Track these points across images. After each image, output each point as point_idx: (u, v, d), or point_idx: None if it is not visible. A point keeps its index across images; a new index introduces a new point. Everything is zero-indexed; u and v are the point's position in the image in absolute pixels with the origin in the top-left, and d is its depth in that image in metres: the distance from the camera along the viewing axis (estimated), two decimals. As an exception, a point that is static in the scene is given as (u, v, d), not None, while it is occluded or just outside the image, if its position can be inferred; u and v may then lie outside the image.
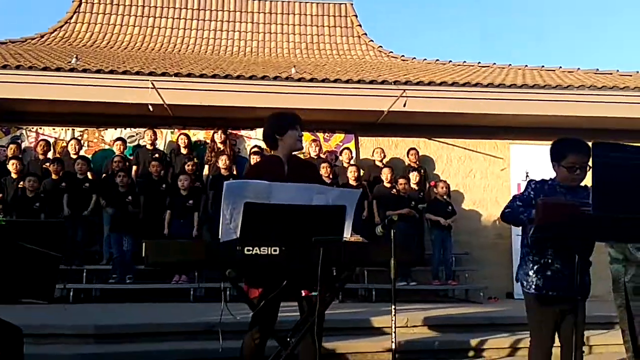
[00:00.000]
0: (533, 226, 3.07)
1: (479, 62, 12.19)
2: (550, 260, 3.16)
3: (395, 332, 2.95)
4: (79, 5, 11.82)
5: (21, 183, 7.15)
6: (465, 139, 9.24)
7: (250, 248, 2.84)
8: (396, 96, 7.98)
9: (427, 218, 7.74)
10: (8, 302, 2.41)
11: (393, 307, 2.92)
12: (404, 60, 12.54)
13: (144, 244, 2.75)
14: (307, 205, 2.94)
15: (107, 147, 8.56)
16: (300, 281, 3.19)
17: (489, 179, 9.24)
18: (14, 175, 7.34)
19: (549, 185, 3.30)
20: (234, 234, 2.85)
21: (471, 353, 4.69)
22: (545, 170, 9.36)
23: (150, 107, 7.57)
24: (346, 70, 9.24)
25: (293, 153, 3.47)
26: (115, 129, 8.61)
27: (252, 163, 7.55)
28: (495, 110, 8.45)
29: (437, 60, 12.38)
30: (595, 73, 11.20)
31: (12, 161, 7.45)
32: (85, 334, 4.29)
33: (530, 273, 3.21)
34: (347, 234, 3.04)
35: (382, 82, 8.26)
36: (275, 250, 2.86)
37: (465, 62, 12.33)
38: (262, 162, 3.75)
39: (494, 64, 11.98)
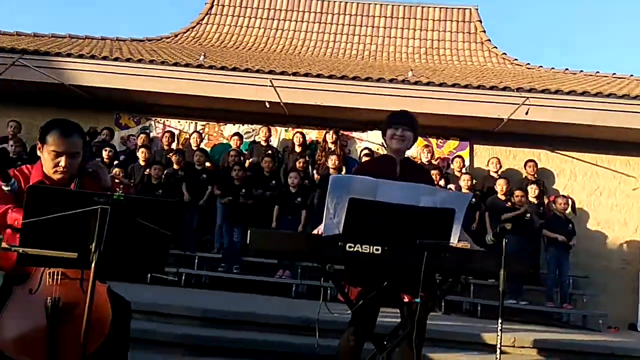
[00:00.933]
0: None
1: (614, 73, 11.27)
2: None
3: (500, 349, 2.76)
4: (211, 8, 12.51)
5: (147, 170, 7.65)
6: (592, 153, 8.58)
7: (352, 245, 2.79)
8: (517, 104, 7.58)
9: (544, 235, 7.24)
10: (122, 277, 2.55)
11: (499, 321, 2.73)
12: (529, 68, 11.90)
13: (249, 232, 2.80)
14: (413, 205, 2.84)
15: (225, 141, 8.95)
16: (402, 284, 3.10)
17: (618, 198, 8.50)
18: (142, 163, 7.88)
19: None
20: (337, 229, 2.82)
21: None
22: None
23: (267, 103, 7.79)
24: (465, 76, 8.94)
25: (406, 155, 3.39)
26: (234, 125, 9.00)
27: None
28: (629, 124, 7.75)
29: (567, 69, 11.62)
30: None
31: (141, 149, 8.00)
32: (193, 316, 4.47)
33: None
34: (455, 240, 2.90)
35: (504, 89, 7.87)
36: (377, 250, 2.79)
37: (598, 72, 11.47)
38: (374, 160, 3.70)
39: (632, 75, 11.02)
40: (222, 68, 8.16)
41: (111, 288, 2.60)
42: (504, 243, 2.77)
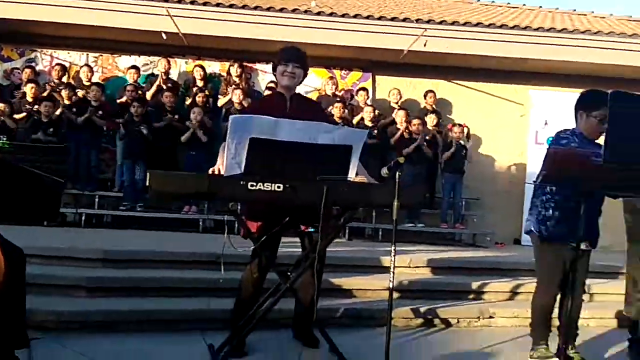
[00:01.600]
0: (542, 173, 3.05)
1: (508, 3, 11.77)
2: (568, 208, 3.15)
3: (394, 272, 2.98)
4: None
5: (36, 107, 7.17)
6: (484, 82, 9.02)
7: (254, 183, 2.86)
8: (417, 35, 7.75)
9: (440, 161, 7.67)
10: (13, 223, 2.45)
11: (393, 247, 2.94)
12: None
13: (148, 174, 2.78)
14: (312, 143, 2.92)
15: (121, 74, 8.50)
16: (302, 217, 3.22)
17: (506, 124, 9.07)
18: (30, 99, 7.35)
19: (571, 135, 3.26)
20: (238, 169, 2.86)
21: (471, 295, 4.75)
22: (564, 118, 9.11)
23: (163, 34, 7.45)
24: (368, 6, 8.94)
25: (297, 91, 3.41)
26: (130, 56, 8.53)
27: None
28: (519, 54, 8.18)
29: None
30: (629, 20, 10.76)
31: (29, 85, 7.42)
32: (94, 258, 4.39)
33: (551, 221, 3.21)
34: (352, 174, 3.04)
35: (404, 20, 8.00)
36: (279, 187, 2.88)
37: (493, 1, 11.92)
38: (264, 98, 3.70)
39: (524, 5, 11.56)
40: (114, -6, 7.62)
41: (1, 235, 2.50)
42: (396, 176, 2.93)
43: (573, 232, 3.08)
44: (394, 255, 2.96)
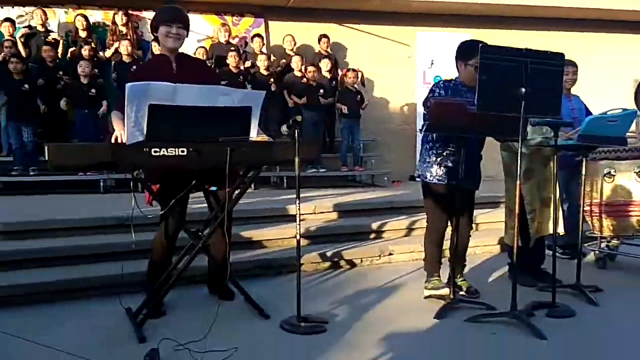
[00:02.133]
0: (426, 123, 3.33)
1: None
2: (449, 152, 3.47)
3: (299, 223, 3.19)
4: None
5: None
6: (374, 25, 9.24)
7: (158, 150, 2.90)
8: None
9: (337, 107, 7.90)
10: None
11: (297, 202, 3.14)
12: None
13: (46, 148, 2.74)
14: (213, 106, 2.98)
15: (-7, 28, 7.81)
16: (207, 177, 3.32)
17: (397, 66, 9.42)
18: None
19: (453, 84, 3.54)
20: (140, 136, 2.87)
21: (372, 235, 5.11)
22: (449, 58, 9.62)
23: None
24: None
25: (180, 51, 3.38)
26: (2, 7, 7.83)
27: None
28: (405, -3, 8.47)
29: None
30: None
31: None
32: (-8, 230, 4.23)
33: (434, 165, 3.52)
34: (254, 134, 3.15)
35: (293, -37, 7.95)
36: (182, 152, 2.94)
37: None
38: (150, 61, 3.62)
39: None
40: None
41: None
42: (296, 134, 3.09)
43: (453, 175, 3.44)
44: (299, 208, 3.16)
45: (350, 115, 7.87)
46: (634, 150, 4.28)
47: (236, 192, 3.35)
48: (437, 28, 9.31)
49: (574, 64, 4.65)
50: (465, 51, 3.55)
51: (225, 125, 3.02)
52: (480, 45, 3.08)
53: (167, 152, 2.91)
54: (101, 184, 6.85)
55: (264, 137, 3.22)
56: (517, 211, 3.25)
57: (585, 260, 4.54)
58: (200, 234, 3.38)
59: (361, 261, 4.60)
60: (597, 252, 4.62)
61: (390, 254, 4.70)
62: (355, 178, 8.39)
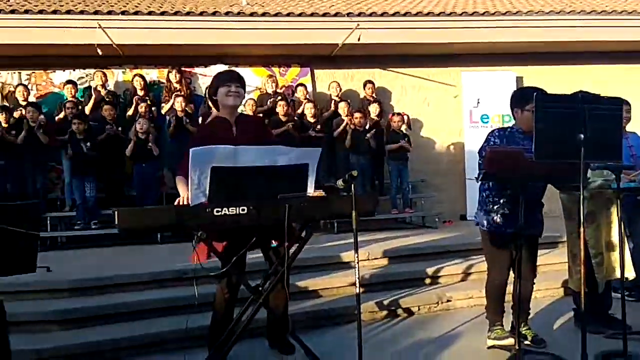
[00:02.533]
0: (482, 172, 3.32)
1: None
2: (507, 200, 3.44)
3: (359, 278, 3.21)
4: None
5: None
6: (419, 67, 9.34)
7: (219, 209, 2.99)
8: (350, 28, 7.95)
9: (386, 150, 7.95)
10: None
11: (356, 255, 3.16)
12: None
13: (116, 213, 2.86)
14: (271, 165, 3.07)
15: (56, 89, 8.31)
16: (267, 233, 3.39)
17: (442, 107, 9.46)
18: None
19: (509, 132, 3.54)
20: (203, 197, 2.98)
21: (428, 280, 5.06)
22: (494, 96, 9.62)
23: (99, 50, 7.34)
24: (298, 2, 9.05)
25: (240, 111, 3.52)
26: (64, 71, 8.34)
27: (200, 120, 7.50)
28: (448, 39, 8.54)
29: None
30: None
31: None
32: (59, 288, 4.40)
33: (491, 213, 3.49)
34: (311, 190, 3.22)
35: (335, 14, 8.17)
36: (243, 210, 3.02)
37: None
38: (209, 124, 3.74)
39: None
40: (41, 12, 7.42)
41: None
42: (352, 188, 3.14)
43: (513, 222, 3.39)
44: (357, 263, 3.18)
45: (398, 159, 7.90)
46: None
47: (295, 246, 3.40)
48: (481, 67, 9.33)
49: (627, 102, 4.56)
50: (521, 97, 3.56)
51: (283, 183, 3.11)
52: (535, 93, 3.08)
53: (229, 211, 3.00)
54: (158, 235, 7.04)
55: (320, 193, 3.29)
56: (582, 257, 3.18)
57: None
58: (260, 288, 3.44)
59: (419, 309, 4.55)
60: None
61: (448, 301, 4.64)
62: (406, 219, 8.35)
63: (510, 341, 3.45)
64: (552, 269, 5.28)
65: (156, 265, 4.94)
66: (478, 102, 9.25)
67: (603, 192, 3.78)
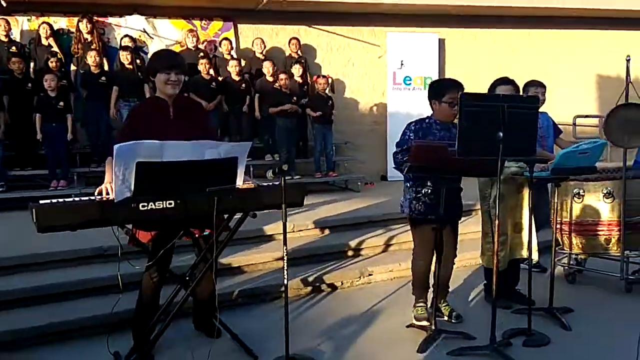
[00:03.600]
0: (407, 165, 3.42)
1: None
2: (429, 190, 3.59)
3: (287, 270, 3.27)
4: None
5: None
6: (344, 26, 9.27)
7: (145, 204, 2.92)
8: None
9: (308, 113, 7.93)
10: None
11: (284, 248, 3.21)
12: None
13: (33, 211, 2.73)
14: (199, 160, 3.00)
15: (-48, 37, 7.54)
16: (197, 224, 3.35)
17: (367, 66, 9.49)
18: None
19: (426, 124, 3.64)
20: (128, 192, 2.88)
21: (350, 253, 5.22)
22: (418, 58, 9.77)
23: (2, 1, 6.71)
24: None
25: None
26: (-40, 17, 7.57)
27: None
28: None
29: None
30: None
31: None
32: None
33: (414, 202, 3.64)
34: (240, 182, 3.19)
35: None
36: (170, 204, 2.98)
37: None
38: (147, 105, 3.60)
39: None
40: None
41: None
42: (282, 181, 3.15)
43: (433, 210, 3.56)
44: (286, 252, 3.24)
45: (322, 121, 7.92)
46: (601, 172, 4.47)
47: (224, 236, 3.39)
48: (406, 28, 9.39)
49: (542, 85, 4.80)
50: (438, 89, 3.67)
51: (212, 176, 3.05)
52: (462, 94, 3.18)
53: (155, 205, 2.94)
54: (72, 198, 6.72)
55: (249, 184, 3.27)
56: (496, 238, 3.39)
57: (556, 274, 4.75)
58: (187, 278, 3.43)
59: (342, 284, 4.70)
60: (566, 267, 4.83)
61: (369, 275, 4.82)
62: (329, 182, 8.46)
63: (425, 323, 3.68)
64: (468, 238, 5.56)
65: (75, 242, 4.73)
66: (402, 64, 9.36)
67: (516, 178, 4.02)
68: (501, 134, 3.14)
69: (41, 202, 2.88)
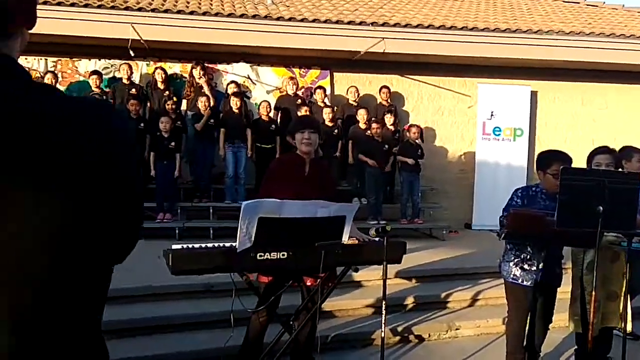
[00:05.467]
0: (504, 231, 3.58)
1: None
2: (527, 256, 3.70)
3: (385, 323, 3.49)
4: None
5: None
6: (435, 76, 9.52)
7: (262, 254, 3.26)
8: (373, 37, 8.12)
9: (398, 160, 8.18)
10: None
11: (384, 303, 3.44)
12: None
13: (170, 255, 3.13)
14: (311, 217, 3.33)
15: (81, 78, 8.47)
16: (304, 273, 3.68)
17: (457, 116, 9.66)
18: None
19: (532, 192, 3.76)
20: (249, 243, 3.24)
21: (438, 305, 5.34)
22: (508, 109, 9.85)
23: (131, 52, 7.51)
24: (325, 7, 9.16)
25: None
26: (90, 60, 8.50)
27: (276, 159, 7.49)
28: (466, 53, 8.69)
29: None
30: (564, 1, 11.52)
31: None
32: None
33: (511, 264, 3.76)
34: (346, 238, 3.48)
35: (360, 24, 8.31)
36: (283, 255, 3.30)
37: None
38: (286, 160, 4.07)
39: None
40: (72, 5, 7.55)
41: None
42: (385, 240, 3.41)
43: (531, 277, 3.67)
44: (385, 307, 3.47)
45: (411, 169, 8.15)
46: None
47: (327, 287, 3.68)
48: (497, 80, 9.51)
49: (643, 152, 4.79)
50: (544, 159, 3.77)
51: (322, 232, 3.36)
52: (562, 168, 3.32)
53: (270, 255, 3.28)
54: (177, 231, 7.32)
55: (354, 240, 3.55)
56: (592, 308, 3.45)
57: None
58: (291, 323, 3.74)
59: (429, 336, 4.84)
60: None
61: (457, 329, 4.93)
62: (413, 227, 8.62)
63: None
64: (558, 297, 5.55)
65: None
66: (492, 115, 9.46)
67: (611, 247, 4.05)
68: (601, 208, 3.25)
69: (174, 247, 3.28)
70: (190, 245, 3.38)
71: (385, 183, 8.35)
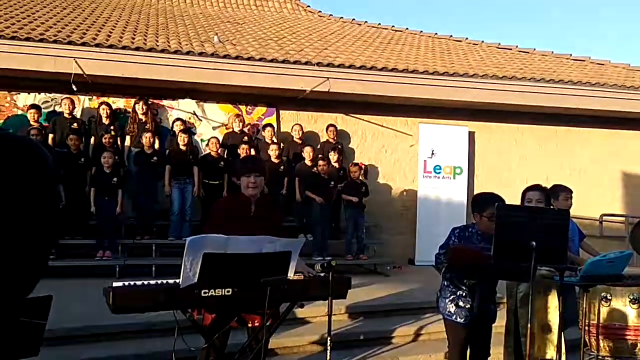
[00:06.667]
0: (444, 264, 3.70)
1: (393, 26, 12.83)
2: (463, 293, 3.81)
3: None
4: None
5: None
6: (379, 115, 9.79)
7: (207, 290, 3.23)
8: (318, 77, 8.33)
9: (343, 198, 8.31)
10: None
11: (329, 340, 3.46)
12: (320, 16, 12.94)
13: (110, 293, 3.06)
14: (257, 252, 3.34)
15: (20, 112, 8.23)
16: (249, 309, 3.65)
17: (399, 154, 9.94)
18: None
19: (469, 232, 3.89)
20: (193, 280, 3.21)
21: (382, 340, 5.39)
22: (448, 148, 10.21)
23: (73, 87, 7.40)
24: (266, 34, 9.34)
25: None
26: (29, 94, 8.28)
27: (223, 197, 7.27)
28: (408, 94, 9.04)
29: (353, 19, 13.01)
30: (498, 47, 12.20)
31: None
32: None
33: (447, 300, 3.87)
34: (291, 274, 3.50)
35: (306, 63, 8.52)
36: (228, 291, 3.28)
37: (379, 24, 12.94)
38: (230, 199, 4.09)
39: (407, 28, 12.68)
40: (13, 38, 7.39)
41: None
42: (330, 276, 3.45)
43: (467, 314, 3.78)
44: (330, 343, 3.48)
45: (355, 206, 8.28)
46: (627, 278, 4.66)
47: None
48: (438, 120, 9.88)
49: (570, 190, 5.09)
50: (479, 203, 3.91)
51: (267, 268, 3.37)
52: (497, 205, 3.49)
53: (215, 292, 3.25)
54: (117, 269, 7.11)
55: (299, 276, 3.58)
56: (528, 339, 3.57)
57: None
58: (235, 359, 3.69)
59: (374, 373, 4.87)
60: (594, 369, 4.93)
61: (400, 365, 4.98)
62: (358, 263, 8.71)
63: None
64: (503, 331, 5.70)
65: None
66: (433, 153, 9.78)
67: (544, 280, 4.24)
68: (534, 243, 3.42)
69: (114, 284, 3.20)
70: (132, 283, 3.32)
71: (331, 219, 8.43)
